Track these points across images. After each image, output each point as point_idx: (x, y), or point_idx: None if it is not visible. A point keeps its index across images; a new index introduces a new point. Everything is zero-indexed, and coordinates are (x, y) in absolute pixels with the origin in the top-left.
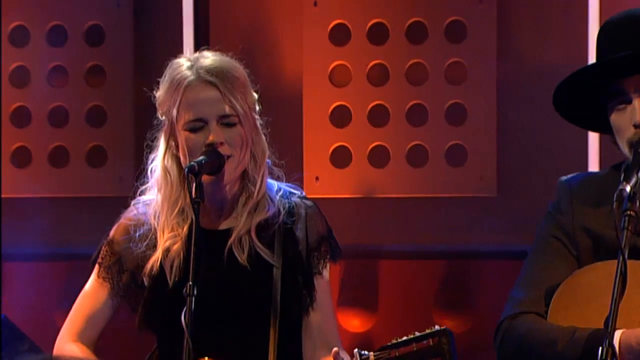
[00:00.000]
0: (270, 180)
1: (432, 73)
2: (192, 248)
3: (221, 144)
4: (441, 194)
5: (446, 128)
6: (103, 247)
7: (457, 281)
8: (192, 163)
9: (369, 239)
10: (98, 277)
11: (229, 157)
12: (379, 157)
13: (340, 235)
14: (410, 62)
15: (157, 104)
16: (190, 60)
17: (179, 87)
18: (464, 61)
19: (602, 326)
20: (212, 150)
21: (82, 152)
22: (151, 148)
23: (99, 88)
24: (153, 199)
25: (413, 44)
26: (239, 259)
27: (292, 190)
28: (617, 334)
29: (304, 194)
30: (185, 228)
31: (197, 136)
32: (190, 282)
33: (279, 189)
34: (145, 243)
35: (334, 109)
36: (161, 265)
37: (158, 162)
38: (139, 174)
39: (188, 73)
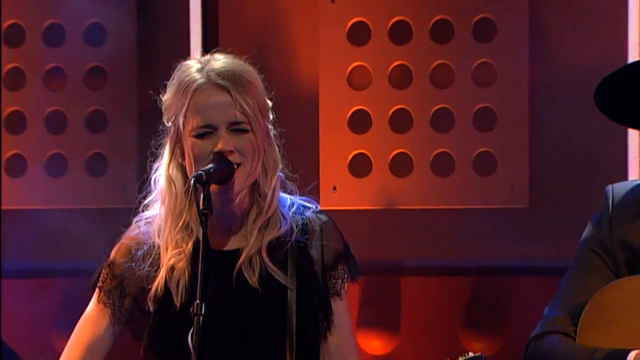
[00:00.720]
0: (282, 195)
1: (458, 75)
2: (200, 264)
3: (231, 152)
4: (468, 205)
5: (474, 134)
6: (103, 270)
7: (486, 299)
8: (200, 172)
9: (390, 253)
10: (98, 302)
11: (239, 165)
12: (401, 166)
13: (359, 250)
14: (435, 63)
15: (163, 109)
16: (200, 63)
17: (187, 90)
18: (493, 62)
19: (630, 345)
20: (220, 158)
21: (82, 160)
22: (155, 156)
23: (100, 91)
24: (156, 214)
25: (438, 44)
26: (249, 280)
27: (306, 205)
28: (633, 354)
29: (318, 207)
30: (190, 244)
31: (205, 143)
32: (198, 301)
33: (292, 204)
34: (148, 262)
35: (353, 113)
36: (166, 286)
37: (162, 171)
38: (143, 183)
39: (197, 76)
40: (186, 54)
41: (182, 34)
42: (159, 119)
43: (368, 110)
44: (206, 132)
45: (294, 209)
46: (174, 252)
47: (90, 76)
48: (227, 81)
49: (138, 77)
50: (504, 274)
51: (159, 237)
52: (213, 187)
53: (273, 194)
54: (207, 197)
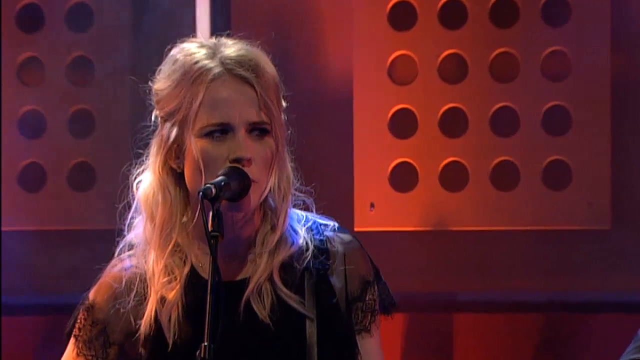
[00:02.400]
0: (293, 210)
1: (524, 66)
2: (208, 297)
3: (248, 160)
4: (536, 226)
5: (544, 139)
6: (80, 315)
7: (559, 339)
8: (208, 185)
9: (440, 285)
10: (78, 355)
11: (253, 181)
12: (454, 178)
13: (402, 281)
14: (496, 51)
15: (155, 100)
16: (208, 47)
17: (200, 80)
18: (567, 50)
19: None
20: (234, 168)
21: (63, 171)
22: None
23: (85, 87)
24: (138, 240)
25: (499, 28)
26: (259, 314)
27: (323, 221)
28: None
29: (336, 225)
30: (186, 271)
31: (218, 147)
32: (206, 343)
33: (306, 219)
34: (133, 294)
35: (395, 113)
36: (157, 322)
37: (150, 175)
38: (121, 204)
39: (211, 63)
40: (184, 38)
41: (185, 18)
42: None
43: (413, 109)
44: (219, 132)
45: (309, 224)
46: (163, 280)
47: (73, 68)
48: (250, 72)
49: (132, 69)
50: (580, 309)
51: (145, 263)
52: (223, 204)
53: (286, 213)
54: (217, 216)
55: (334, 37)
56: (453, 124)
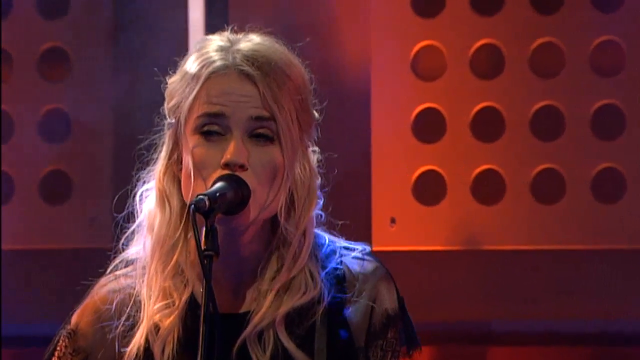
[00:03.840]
0: (320, 233)
1: (570, 59)
2: (201, 328)
3: (241, 166)
4: (585, 244)
5: (593, 143)
6: (60, 341)
7: None
8: (201, 196)
9: (472, 313)
10: None
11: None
12: (488, 189)
13: (427, 308)
14: (537, 42)
15: (165, 94)
16: (228, 40)
17: (200, 73)
18: (620, 40)
19: None
20: (230, 175)
21: (34, 181)
22: (146, 164)
23: (60, 82)
24: (140, 250)
25: (541, 14)
26: None
27: (349, 246)
28: None
29: (366, 249)
30: (185, 298)
31: (212, 149)
32: None
33: (330, 251)
34: (123, 320)
35: (419, 114)
36: (146, 351)
37: (153, 183)
38: (121, 214)
39: (217, 56)
40: (181, 30)
41: (177, 2)
42: (143, 121)
43: (441, 109)
44: (215, 130)
45: (331, 259)
46: (160, 304)
47: (46, 61)
48: (256, 69)
49: (114, 64)
50: (638, 342)
51: (140, 283)
52: (218, 217)
53: (303, 242)
54: (211, 232)
55: (350, 25)
56: (487, 126)
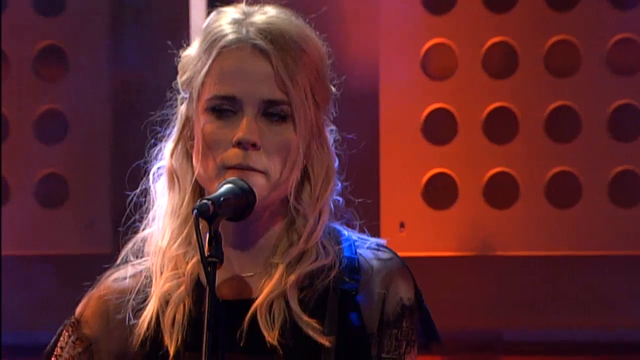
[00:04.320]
0: (332, 225)
1: (586, 57)
2: (205, 316)
3: (253, 145)
4: (601, 250)
5: (609, 145)
6: (64, 332)
7: None
8: (205, 201)
9: (484, 321)
10: None
11: (260, 172)
12: (501, 192)
13: (437, 316)
14: (553, 39)
15: (179, 68)
16: (243, 13)
17: (212, 46)
18: (638, 39)
19: None
20: (235, 180)
21: (29, 183)
22: (159, 140)
23: (56, 82)
24: (152, 232)
25: (556, 11)
26: (265, 336)
27: (363, 237)
28: None
29: (380, 241)
30: (191, 264)
31: (223, 126)
32: None
33: (340, 234)
34: (135, 294)
35: (430, 114)
36: (157, 325)
37: (165, 160)
38: (118, 217)
39: (230, 29)
40: (183, 28)
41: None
42: (140, 119)
43: (452, 109)
44: (226, 108)
45: (341, 243)
46: (171, 273)
47: (42, 61)
48: (270, 43)
49: (111, 59)
50: None
51: (153, 255)
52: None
53: (318, 220)
54: (215, 238)
55: (357, 22)
56: (500, 127)
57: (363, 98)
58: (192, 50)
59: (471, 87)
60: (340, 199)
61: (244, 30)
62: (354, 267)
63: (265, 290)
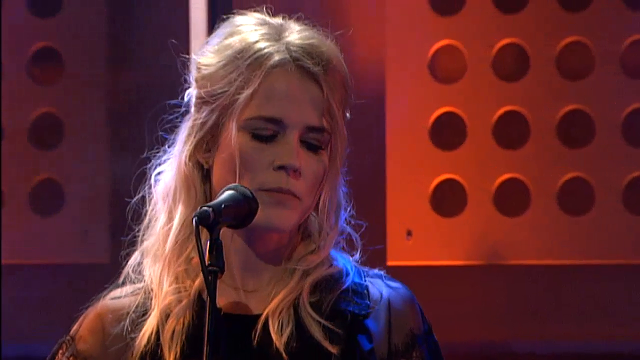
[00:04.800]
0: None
1: (599, 59)
2: (206, 328)
3: (295, 172)
4: (616, 259)
5: (624, 151)
6: (59, 349)
7: None
8: (205, 208)
9: (494, 332)
10: None
11: (297, 198)
12: (512, 199)
13: (446, 327)
14: (565, 41)
15: (198, 76)
16: (271, 27)
17: (260, 64)
18: None
19: None
20: (238, 187)
21: (24, 191)
22: (161, 143)
23: (52, 85)
24: (153, 247)
25: (569, 11)
26: (275, 342)
27: (368, 270)
28: None
29: (383, 273)
30: (198, 281)
31: (262, 150)
32: None
33: (344, 258)
34: (134, 308)
35: (438, 118)
36: (157, 338)
37: (173, 168)
38: (118, 227)
39: (274, 48)
40: (182, 30)
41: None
42: (143, 128)
43: (461, 113)
44: (270, 130)
45: (353, 274)
46: (171, 288)
47: (37, 63)
48: (320, 67)
49: (109, 65)
50: None
51: (152, 268)
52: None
53: (334, 236)
54: (215, 246)
55: (362, 23)
56: (511, 131)
57: (369, 102)
58: (218, 60)
59: (481, 90)
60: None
61: (287, 49)
62: (362, 293)
63: (280, 295)
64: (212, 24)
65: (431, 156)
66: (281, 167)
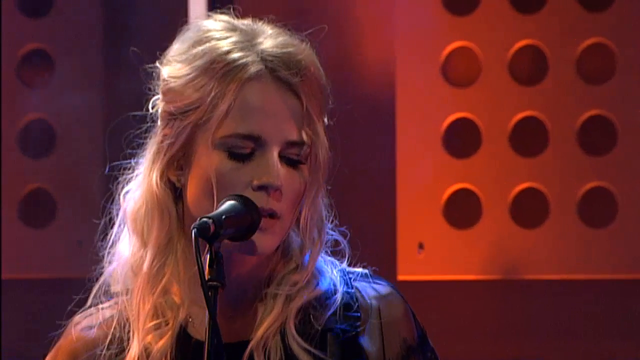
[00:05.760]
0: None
1: (622, 62)
2: (206, 346)
3: (277, 191)
4: (639, 273)
5: None
6: None
7: None
8: (205, 219)
9: (510, 351)
10: None
11: (273, 215)
12: (530, 210)
13: (459, 345)
14: (586, 42)
15: (164, 88)
16: (242, 33)
17: (234, 76)
18: None
19: None
20: (239, 197)
21: (14, 200)
22: (130, 167)
23: (43, 88)
24: (124, 271)
25: (590, 11)
26: None
27: (350, 269)
28: None
29: (367, 271)
30: (180, 317)
31: (240, 168)
32: None
33: (332, 264)
34: (107, 344)
35: (451, 125)
36: None
37: (142, 188)
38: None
39: (248, 58)
40: (181, 23)
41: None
42: (138, 135)
43: (475, 119)
44: (247, 148)
45: (335, 271)
46: (152, 323)
47: (27, 65)
48: (297, 77)
49: (103, 68)
50: None
51: (128, 304)
52: (226, 243)
53: (317, 253)
54: (216, 260)
55: (371, 24)
56: (529, 138)
57: (378, 107)
58: (186, 72)
59: (496, 95)
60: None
61: (260, 58)
62: (352, 304)
63: (263, 325)
64: None
65: (444, 164)
66: (261, 187)
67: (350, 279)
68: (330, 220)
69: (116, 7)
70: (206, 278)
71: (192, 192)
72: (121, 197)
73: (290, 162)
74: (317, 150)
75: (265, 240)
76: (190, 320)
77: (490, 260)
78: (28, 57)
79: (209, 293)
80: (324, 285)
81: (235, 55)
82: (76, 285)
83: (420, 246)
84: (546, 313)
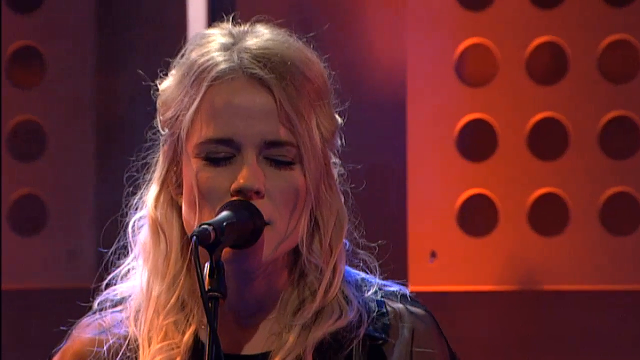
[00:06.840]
0: (349, 269)
1: None
2: (206, 356)
3: (257, 193)
4: None
5: None
6: None
7: None
8: (204, 226)
9: None
10: None
11: (265, 223)
12: (549, 217)
13: (478, 357)
14: (607, 40)
15: (158, 104)
16: (232, 35)
17: (202, 78)
18: None
19: None
20: (240, 202)
21: (1, 207)
22: (138, 187)
23: (32, 88)
24: (132, 287)
25: (612, 6)
26: None
27: (387, 286)
28: None
29: (406, 290)
30: (189, 336)
31: (219, 173)
32: None
33: (367, 282)
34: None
35: (466, 126)
36: None
37: (146, 210)
38: (107, 245)
39: (221, 57)
40: (179, 28)
41: None
42: (132, 138)
43: (491, 120)
44: (222, 152)
45: (370, 291)
46: (160, 345)
47: (17, 63)
48: (270, 72)
49: (96, 67)
50: None
51: (135, 323)
52: (226, 252)
53: (334, 274)
54: (216, 269)
55: (381, 20)
56: (548, 141)
57: (388, 107)
58: (173, 82)
59: (513, 95)
60: (347, 242)
61: (236, 57)
62: (382, 320)
63: (279, 355)
64: (213, 20)
65: (458, 168)
66: (238, 192)
67: (383, 301)
68: (356, 233)
69: (109, 1)
70: (206, 288)
71: (184, 206)
72: (130, 226)
73: (278, 163)
74: (305, 150)
75: (255, 249)
76: (203, 328)
77: (507, 270)
78: (17, 55)
79: (209, 304)
80: (348, 316)
81: (209, 56)
82: (67, 295)
83: (433, 255)
84: (567, 326)
